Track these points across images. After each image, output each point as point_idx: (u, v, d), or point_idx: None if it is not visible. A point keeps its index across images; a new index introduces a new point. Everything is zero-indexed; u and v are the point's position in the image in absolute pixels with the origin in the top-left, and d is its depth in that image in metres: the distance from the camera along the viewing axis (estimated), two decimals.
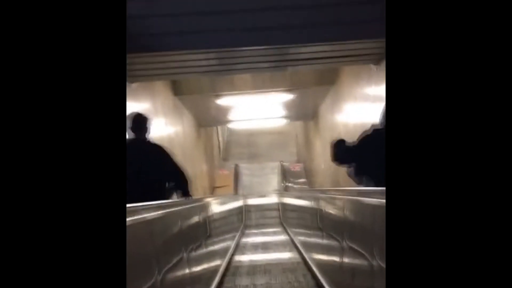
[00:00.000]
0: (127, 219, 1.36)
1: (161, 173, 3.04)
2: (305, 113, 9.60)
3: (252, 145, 15.37)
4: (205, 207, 4.30)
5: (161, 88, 6.03)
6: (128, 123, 3.11)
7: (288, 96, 7.48)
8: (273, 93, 7.25)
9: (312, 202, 4.11)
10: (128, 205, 1.39)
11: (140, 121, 3.11)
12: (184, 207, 2.82)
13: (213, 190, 10.92)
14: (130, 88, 4.25)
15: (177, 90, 6.93)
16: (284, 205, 8.67)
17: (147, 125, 3.15)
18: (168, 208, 2.29)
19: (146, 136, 3.10)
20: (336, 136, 6.60)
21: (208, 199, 4.78)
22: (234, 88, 7.00)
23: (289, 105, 8.46)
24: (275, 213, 9.70)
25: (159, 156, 3.08)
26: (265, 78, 6.91)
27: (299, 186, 10.95)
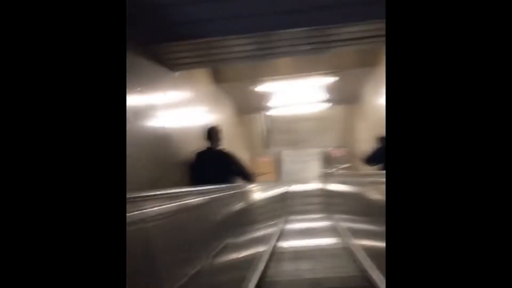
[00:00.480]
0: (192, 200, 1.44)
1: (231, 172, 4.20)
2: (348, 97, 9.41)
3: (294, 131, 15.26)
4: (247, 194, 4.30)
5: (202, 76, 6.09)
6: (205, 135, 4.25)
7: (330, 79, 7.34)
8: (314, 76, 7.14)
9: (357, 187, 4.05)
10: (182, 189, 1.51)
11: (214, 132, 4.28)
12: (229, 192, 2.99)
13: (255, 177, 11.01)
14: (173, 77, 4.31)
15: (218, 77, 6.97)
16: (328, 191, 8.59)
17: (219, 136, 4.27)
18: (219, 192, 2.39)
19: (219, 144, 4.28)
20: (381, 120, 6.44)
21: (251, 186, 4.79)
22: (275, 74, 6.96)
23: (331, 89, 8.31)
24: (318, 199, 9.65)
25: (229, 160, 4.23)
26: (306, 61, 6.82)
27: (343, 171, 10.81)
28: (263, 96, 8.54)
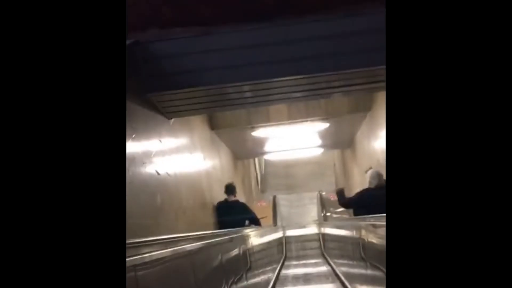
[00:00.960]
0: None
1: (244, 218, 5.93)
2: (342, 141, 9.49)
3: (289, 176, 15.28)
4: (244, 239, 4.26)
5: (198, 122, 6.17)
6: (224, 189, 6.10)
7: (324, 125, 7.45)
8: (308, 122, 7.25)
9: (354, 231, 4.01)
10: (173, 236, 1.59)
11: (231, 188, 6.15)
12: (225, 238, 3.01)
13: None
14: (168, 124, 4.37)
15: (213, 124, 7.06)
16: (324, 235, 8.49)
17: (235, 190, 6.18)
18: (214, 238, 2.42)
19: (235, 195, 6.15)
20: (374, 163, 6.48)
21: (248, 231, 4.75)
22: (270, 120, 7.06)
23: (325, 134, 8.41)
24: (315, 244, 9.50)
25: (242, 208, 6.12)
26: (300, 107, 6.94)
27: (338, 215, 10.73)
28: (259, 142, 8.60)
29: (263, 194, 14.17)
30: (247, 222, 6.20)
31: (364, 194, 4.43)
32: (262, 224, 7.57)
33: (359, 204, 4.32)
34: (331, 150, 12.04)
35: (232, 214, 5.87)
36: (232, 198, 6.23)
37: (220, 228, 5.84)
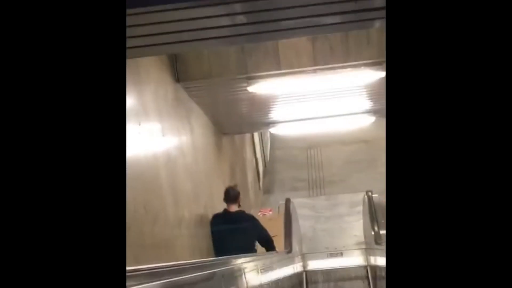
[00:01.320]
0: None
1: (252, 238, 7.06)
2: None
3: (314, 165, 15.36)
4: (235, 277, 4.32)
5: (154, 70, 6.16)
6: (224, 195, 7.16)
7: (378, 74, 7.45)
8: (349, 69, 7.26)
9: None
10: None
11: (233, 193, 7.17)
12: (199, 275, 3.24)
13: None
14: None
15: (181, 73, 7.03)
16: (378, 270, 8.58)
17: (238, 196, 7.23)
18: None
19: (239, 204, 7.13)
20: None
21: (240, 262, 4.81)
22: (281, 65, 7.06)
23: (380, 90, 8.43)
24: (360, 286, 9.61)
25: (250, 224, 7.10)
26: (334, 45, 6.94)
27: None
28: (262, 104, 8.69)
29: (268, 196, 14.25)
30: (256, 244, 7.02)
31: None
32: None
33: None
34: None
35: (235, 233, 6.69)
36: (235, 209, 7.09)
37: (216, 255, 6.63)
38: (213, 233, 7.01)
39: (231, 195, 7.07)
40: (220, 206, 9.17)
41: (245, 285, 4.88)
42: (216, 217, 7.10)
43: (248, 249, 6.46)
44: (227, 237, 6.78)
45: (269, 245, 7.21)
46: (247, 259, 5.67)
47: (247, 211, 12.02)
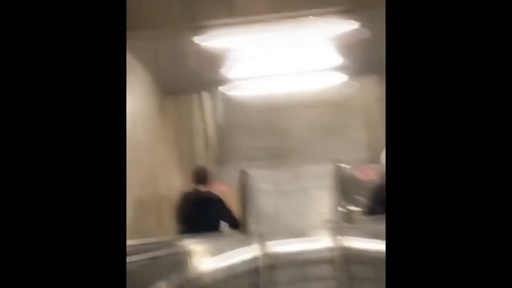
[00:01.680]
0: None
1: (217, 220, 8.43)
2: (383, 61, 9.56)
3: (274, 131, 15.38)
4: (180, 262, 4.28)
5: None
6: (192, 176, 8.42)
7: (349, 24, 7.44)
8: (315, 18, 7.23)
9: None
10: None
11: (202, 174, 8.55)
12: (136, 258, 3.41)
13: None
14: None
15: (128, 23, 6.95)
16: (348, 253, 8.66)
17: (207, 177, 8.60)
18: None
19: (207, 184, 8.48)
20: None
21: (183, 246, 4.79)
22: (234, 11, 7.01)
23: (351, 44, 8.43)
24: (328, 272, 9.69)
25: (218, 204, 8.64)
26: None
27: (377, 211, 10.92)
28: (212, 59, 8.61)
29: (220, 167, 14.23)
30: (222, 225, 8.40)
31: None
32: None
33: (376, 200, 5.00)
34: (361, 78, 12.08)
35: (202, 212, 8.10)
36: (203, 189, 8.41)
37: (183, 233, 7.77)
38: (181, 211, 8.19)
39: (200, 175, 8.43)
40: (163, 182, 9.12)
41: (193, 271, 4.85)
42: (184, 197, 8.24)
43: (214, 229, 7.68)
44: (192, 216, 8.14)
45: (235, 226, 8.67)
46: (195, 240, 5.65)
47: (186, 184, 12.19)
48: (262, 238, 10.32)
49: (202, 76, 9.80)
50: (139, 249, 3.73)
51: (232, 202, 11.85)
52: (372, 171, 12.77)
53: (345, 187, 11.89)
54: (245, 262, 8.26)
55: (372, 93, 13.49)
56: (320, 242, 10.33)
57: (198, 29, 7.29)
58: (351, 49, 8.76)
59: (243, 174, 12.82)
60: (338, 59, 9.36)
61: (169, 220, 9.43)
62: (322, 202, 12.22)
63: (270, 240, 10.42)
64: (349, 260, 8.68)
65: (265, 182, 13.09)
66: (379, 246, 5.85)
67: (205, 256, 5.58)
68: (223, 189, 12.57)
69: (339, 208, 11.60)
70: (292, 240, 10.55)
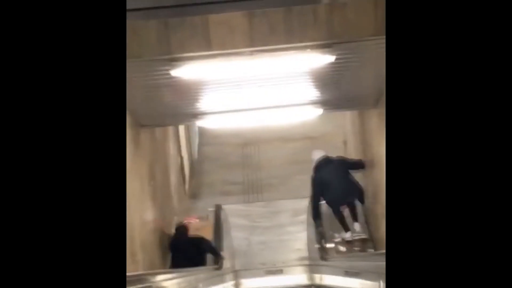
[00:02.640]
0: None
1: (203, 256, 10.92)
2: (361, 94, 9.60)
3: (250, 165, 15.36)
4: None
5: None
6: (175, 232, 11.39)
7: (325, 58, 7.47)
8: (292, 52, 7.25)
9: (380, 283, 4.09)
10: None
11: (182, 230, 11.31)
12: None
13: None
14: None
15: None
16: None
17: (187, 231, 11.30)
18: None
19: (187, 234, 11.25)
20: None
21: (155, 281, 4.75)
22: (210, 45, 7.01)
23: (327, 78, 8.45)
24: None
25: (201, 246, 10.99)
26: (274, 22, 6.94)
27: (353, 246, 10.92)
28: (188, 90, 8.62)
29: (195, 201, 14.18)
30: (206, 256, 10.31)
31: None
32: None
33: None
34: (339, 111, 12.08)
35: (189, 254, 10.32)
36: (185, 238, 10.74)
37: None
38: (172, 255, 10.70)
39: (180, 231, 11.04)
40: (136, 215, 9.07)
41: None
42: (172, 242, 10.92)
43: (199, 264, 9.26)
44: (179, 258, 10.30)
45: (216, 255, 10.61)
46: (168, 276, 5.60)
47: (168, 219, 12.36)
48: (237, 275, 10.28)
49: (178, 108, 9.77)
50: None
51: (206, 236, 11.85)
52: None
53: (320, 222, 11.90)
54: None
55: (349, 127, 13.52)
56: (296, 279, 10.29)
57: (174, 61, 7.29)
58: (327, 83, 8.78)
59: (218, 209, 12.80)
60: (314, 93, 9.39)
61: (141, 254, 9.37)
62: (298, 238, 12.19)
63: (245, 277, 10.39)
64: None
65: (240, 217, 13.07)
66: (354, 284, 5.83)
67: None
68: (197, 223, 12.53)
69: (315, 245, 11.59)
70: (266, 278, 10.51)
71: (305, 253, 11.65)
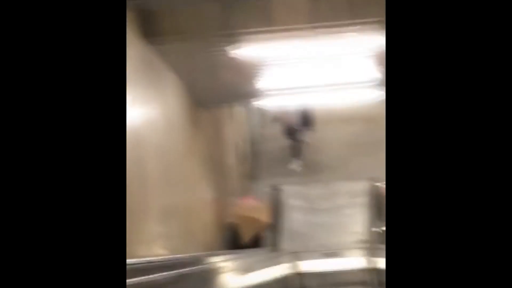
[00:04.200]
0: None
1: None
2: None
3: (309, 145, 15.33)
4: (209, 278, 4.27)
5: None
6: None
7: (377, 36, 7.40)
8: (354, 30, 7.20)
9: None
10: None
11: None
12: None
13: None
14: None
15: (149, 29, 6.97)
16: (381, 275, 8.60)
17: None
18: None
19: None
20: None
21: (211, 262, 4.78)
22: (271, 22, 7.00)
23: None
24: None
25: None
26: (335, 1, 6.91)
27: None
28: (246, 70, 8.63)
29: (252, 182, 14.23)
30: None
31: None
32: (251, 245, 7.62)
33: None
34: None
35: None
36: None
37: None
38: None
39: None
40: (192, 195, 9.12)
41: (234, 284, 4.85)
42: None
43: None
44: None
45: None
46: (224, 257, 5.63)
47: (226, 199, 12.41)
48: (293, 257, 10.28)
49: (237, 88, 9.79)
50: (166, 265, 3.65)
51: (263, 218, 11.86)
52: None
53: (380, 207, 11.82)
54: (275, 281, 8.23)
55: None
56: (353, 262, 10.26)
57: (235, 40, 7.29)
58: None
59: (276, 190, 12.82)
60: (377, 74, 9.31)
61: (200, 235, 9.44)
62: (356, 221, 12.16)
63: (302, 259, 10.38)
64: (382, 283, 8.60)
65: (298, 199, 13.07)
66: None
67: (234, 274, 5.54)
68: (255, 204, 12.55)
69: (373, 229, 11.53)
70: (323, 260, 10.50)
71: (363, 236, 11.61)
